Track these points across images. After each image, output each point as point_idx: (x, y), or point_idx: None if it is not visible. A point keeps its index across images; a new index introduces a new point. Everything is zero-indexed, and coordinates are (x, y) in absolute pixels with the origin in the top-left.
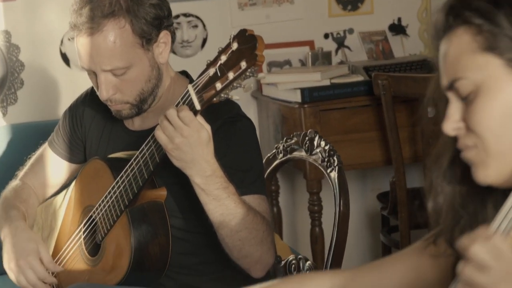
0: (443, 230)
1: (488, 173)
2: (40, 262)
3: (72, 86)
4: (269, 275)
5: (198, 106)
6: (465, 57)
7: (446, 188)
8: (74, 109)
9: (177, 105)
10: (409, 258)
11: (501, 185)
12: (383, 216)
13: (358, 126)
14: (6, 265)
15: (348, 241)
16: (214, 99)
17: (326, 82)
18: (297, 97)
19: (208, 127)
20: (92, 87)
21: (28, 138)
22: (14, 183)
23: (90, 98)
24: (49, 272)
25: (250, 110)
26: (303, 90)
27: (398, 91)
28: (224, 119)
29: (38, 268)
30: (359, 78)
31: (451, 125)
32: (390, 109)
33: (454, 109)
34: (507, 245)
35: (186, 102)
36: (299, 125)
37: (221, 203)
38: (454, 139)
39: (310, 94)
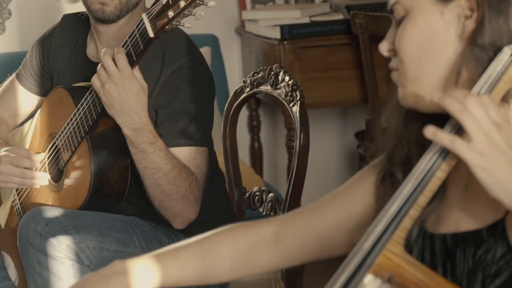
0: (385, 147)
1: (406, 96)
2: (13, 164)
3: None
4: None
5: (151, 34)
6: None
7: (395, 110)
8: (42, 43)
9: (131, 35)
10: (338, 199)
11: (423, 110)
12: (360, 154)
13: (337, 64)
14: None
15: (328, 178)
16: (167, 26)
17: (306, 20)
18: (276, 34)
19: (143, 82)
20: (61, 20)
21: (14, 68)
22: None
23: (57, 32)
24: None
25: (233, 46)
26: (282, 27)
27: (376, 30)
28: (180, 64)
29: (12, 170)
30: (339, 16)
31: (385, 46)
32: (367, 48)
33: (391, 31)
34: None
35: (140, 30)
36: (279, 61)
37: (146, 156)
38: None
39: (289, 31)
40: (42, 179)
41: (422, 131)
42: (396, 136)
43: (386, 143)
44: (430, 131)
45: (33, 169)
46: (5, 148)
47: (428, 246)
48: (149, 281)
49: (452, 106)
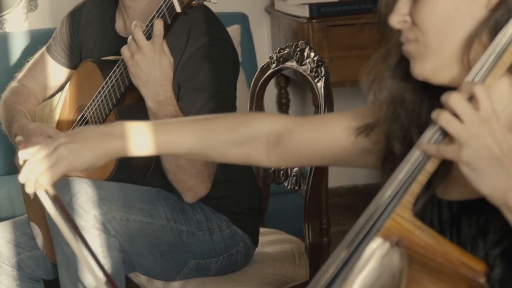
0: (381, 122)
1: (425, 67)
2: (45, 135)
3: None
4: None
5: (178, 9)
6: None
7: (389, 84)
8: (72, 17)
9: (159, 9)
10: (346, 119)
11: (435, 82)
12: None
13: (365, 42)
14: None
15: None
16: (194, 2)
17: None
18: (305, 12)
19: (170, 57)
20: None
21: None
22: (12, 85)
23: (87, 7)
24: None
25: (263, 24)
26: (311, 6)
27: None
28: (204, 41)
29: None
30: None
31: (397, 18)
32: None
33: (403, 3)
34: (485, 97)
35: (168, 5)
36: (307, 40)
37: None
38: None
39: (318, 10)
40: None
41: (421, 108)
42: (394, 113)
43: (383, 119)
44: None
45: None
46: (33, 125)
47: (436, 212)
48: (144, 146)
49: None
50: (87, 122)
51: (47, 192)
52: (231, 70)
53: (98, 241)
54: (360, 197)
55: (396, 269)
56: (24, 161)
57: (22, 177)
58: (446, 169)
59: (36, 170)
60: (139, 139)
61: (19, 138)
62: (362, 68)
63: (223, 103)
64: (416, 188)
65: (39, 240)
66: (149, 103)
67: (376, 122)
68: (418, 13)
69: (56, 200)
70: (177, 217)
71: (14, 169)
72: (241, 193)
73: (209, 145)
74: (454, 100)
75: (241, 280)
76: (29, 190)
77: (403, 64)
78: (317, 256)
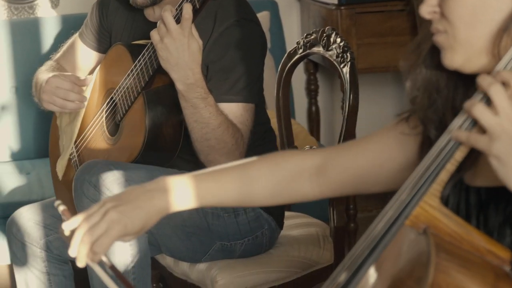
0: (418, 108)
1: (455, 58)
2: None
3: None
4: None
5: None
6: None
7: (424, 72)
8: (101, 2)
9: None
10: (382, 139)
11: (466, 71)
12: None
13: (393, 29)
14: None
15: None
16: None
17: None
18: None
19: (199, 40)
20: None
21: (78, 29)
22: (48, 63)
23: None
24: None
25: (292, 11)
26: None
27: None
28: (231, 22)
29: (59, 82)
30: None
31: (427, 8)
32: None
33: None
34: None
35: None
36: (336, 27)
37: (197, 111)
38: None
39: None
40: (82, 102)
41: (456, 93)
42: (430, 100)
43: (419, 105)
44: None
45: (76, 90)
46: (55, 73)
47: (464, 198)
48: (188, 200)
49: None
50: (115, 105)
51: (101, 263)
52: (259, 50)
53: None
54: None
55: (424, 257)
56: (71, 232)
57: (72, 251)
58: (474, 156)
59: (87, 240)
60: (183, 193)
61: (62, 207)
62: (400, 56)
63: (251, 82)
64: (444, 176)
65: None
66: (179, 86)
67: (414, 108)
68: (447, 5)
69: (114, 270)
70: None
71: (44, 152)
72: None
73: (252, 192)
74: (494, 88)
75: (266, 262)
76: (81, 263)
77: (436, 53)
78: (341, 240)
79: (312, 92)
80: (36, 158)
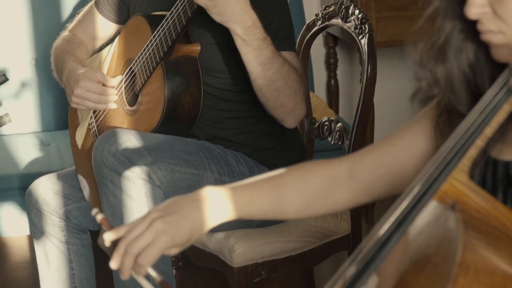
0: (443, 87)
1: (505, 52)
2: (93, 80)
3: None
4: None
5: None
6: None
7: (451, 40)
8: None
9: None
10: (406, 134)
11: None
12: None
13: (412, 3)
14: (74, 105)
15: (399, 116)
16: None
17: None
18: None
19: None
20: None
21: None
22: (64, 34)
23: None
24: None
25: None
26: None
27: None
28: None
29: (91, 86)
30: None
31: (476, 9)
32: None
33: None
34: None
35: None
36: (355, 0)
37: (261, 53)
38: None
39: None
40: (113, 103)
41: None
42: (462, 81)
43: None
44: None
45: (107, 93)
46: (83, 70)
47: (491, 171)
48: (225, 211)
49: None
50: (134, 75)
51: (148, 276)
52: (287, 4)
53: (143, 191)
54: None
55: (452, 234)
56: (113, 243)
57: (115, 263)
58: (502, 129)
59: (132, 252)
60: (219, 207)
61: (100, 216)
62: (409, 31)
63: (291, 33)
64: (473, 152)
65: (86, 192)
66: (239, 31)
67: (439, 90)
68: (503, 6)
69: (163, 285)
70: (221, 169)
71: (63, 124)
72: (285, 146)
73: (284, 206)
74: None
75: (283, 232)
76: (125, 276)
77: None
78: (358, 210)
79: (331, 66)
80: (55, 130)
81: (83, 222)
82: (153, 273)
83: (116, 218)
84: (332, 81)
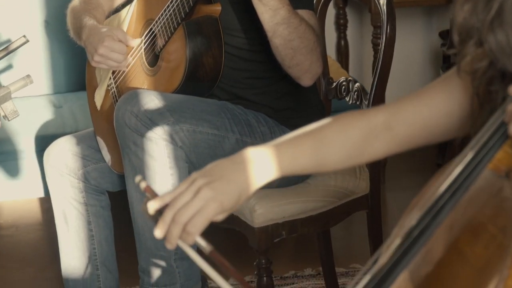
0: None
1: None
2: (116, 40)
3: None
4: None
5: None
6: None
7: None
8: None
9: None
10: (445, 87)
11: None
12: (444, 53)
13: None
14: (95, 64)
15: (412, 76)
16: None
17: None
18: None
19: None
20: None
21: None
22: None
23: None
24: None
25: None
26: None
27: None
28: None
29: (115, 46)
30: None
31: None
32: None
33: None
34: None
35: None
36: None
37: (276, 12)
38: None
39: None
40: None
41: None
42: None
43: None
44: None
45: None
46: (105, 28)
47: None
48: (270, 170)
49: None
50: (154, 36)
51: (198, 244)
52: None
53: (166, 152)
54: None
55: (509, 204)
56: (159, 212)
57: (161, 230)
58: None
59: (181, 220)
60: (264, 165)
61: (144, 184)
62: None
63: None
64: None
65: (105, 152)
66: None
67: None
68: None
69: (213, 255)
70: (242, 130)
71: (76, 86)
72: (304, 106)
73: (326, 157)
74: None
75: (303, 192)
76: (172, 245)
77: None
78: (377, 170)
79: (341, 27)
80: (67, 92)
81: (101, 183)
82: (202, 242)
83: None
84: (342, 42)
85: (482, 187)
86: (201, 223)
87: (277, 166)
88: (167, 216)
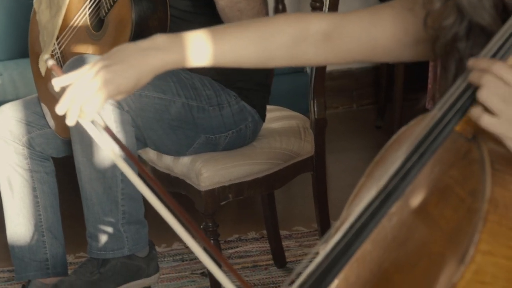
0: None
1: None
2: None
3: None
4: None
5: None
6: None
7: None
8: None
9: None
10: (396, 10)
11: None
12: None
13: None
14: None
15: None
16: None
17: None
18: None
19: None
20: None
21: None
22: None
23: None
24: None
25: None
26: None
27: None
28: None
29: None
30: None
31: None
32: None
33: None
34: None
35: None
36: None
37: None
38: None
39: None
40: None
41: None
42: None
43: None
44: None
45: None
46: None
47: None
48: (199, 57)
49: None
50: (100, 0)
51: (93, 122)
52: None
53: (112, 116)
54: (353, 81)
55: (476, 167)
56: (62, 89)
57: (61, 107)
58: None
59: (79, 98)
60: (193, 51)
61: (51, 62)
62: None
63: None
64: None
65: (49, 118)
66: None
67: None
68: None
69: (107, 131)
70: (188, 93)
71: (15, 54)
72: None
73: (268, 51)
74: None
75: (249, 154)
76: (71, 121)
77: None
78: (322, 132)
79: None
80: (7, 59)
81: (46, 149)
82: (98, 119)
83: (85, 144)
84: (280, 7)
85: (449, 148)
86: (98, 103)
87: (205, 53)
88: (67, 95)
